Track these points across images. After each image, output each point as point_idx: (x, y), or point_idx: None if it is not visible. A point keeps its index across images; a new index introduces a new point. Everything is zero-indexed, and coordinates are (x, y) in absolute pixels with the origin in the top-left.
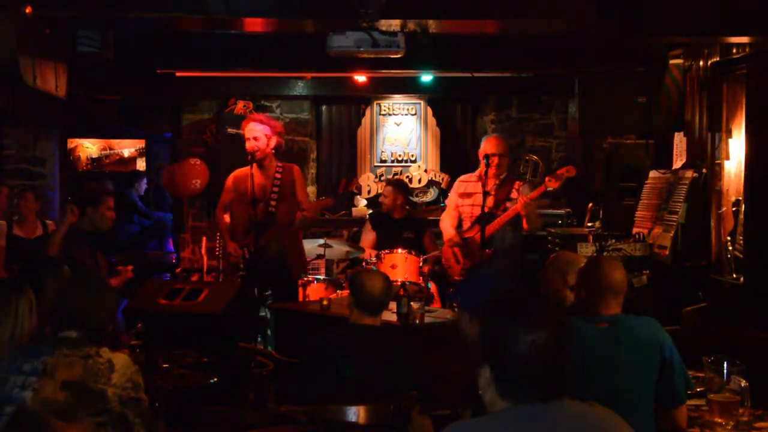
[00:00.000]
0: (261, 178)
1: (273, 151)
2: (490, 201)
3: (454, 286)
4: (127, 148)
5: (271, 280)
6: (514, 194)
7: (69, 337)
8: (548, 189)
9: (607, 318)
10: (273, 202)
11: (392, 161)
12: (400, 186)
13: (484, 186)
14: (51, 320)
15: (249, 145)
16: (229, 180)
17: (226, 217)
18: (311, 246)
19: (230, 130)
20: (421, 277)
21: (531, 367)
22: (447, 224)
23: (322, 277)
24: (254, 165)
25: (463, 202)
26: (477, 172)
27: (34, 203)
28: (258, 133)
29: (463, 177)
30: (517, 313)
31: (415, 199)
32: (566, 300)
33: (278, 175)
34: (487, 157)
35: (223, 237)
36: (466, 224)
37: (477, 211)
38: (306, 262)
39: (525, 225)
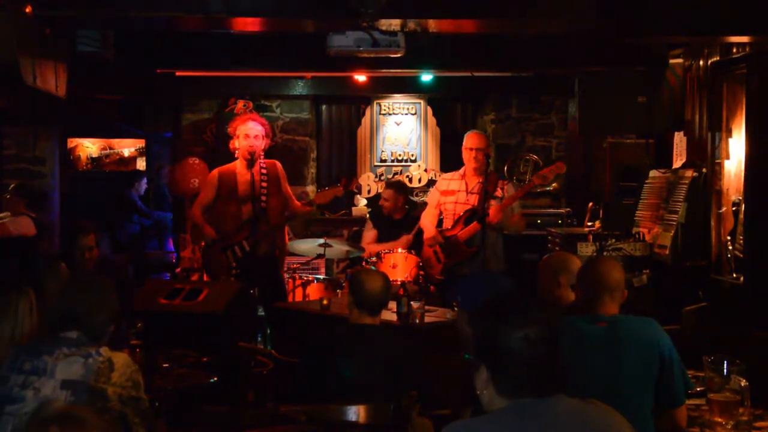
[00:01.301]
0: (249, 175)
1: (263, 151)
2: (473, 199)
3: (435, 285)
4: (127, 148)
5: (261, 277)
6: (498, 192)
7: (69, 337)
8: (536, 187)
9: (606, 318)
10: (263, 198)
11: (392, 161)
12: (400, 188)
13: (483, 183)
14: (52, 321)
15: (248, 143)
16: (214, 177)
17: (200, 215)
18: (311, 246)
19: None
20: (421, 277)
21: (525, 363)
22: (427, 222)
23: (322, 277)
24: (243, 164)
25: (446, 199)
26: (461, 170)
27: (19, 199)
28: (258, 133)
29: (445, 175)
30: (509, 310)
31: (415, 199)
32: (560, 300)
33: (264, 171)
34: (487, 156)
35: (206, 237)
36: (448, 222)
37: (459, 209)
38: (284, 258)
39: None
